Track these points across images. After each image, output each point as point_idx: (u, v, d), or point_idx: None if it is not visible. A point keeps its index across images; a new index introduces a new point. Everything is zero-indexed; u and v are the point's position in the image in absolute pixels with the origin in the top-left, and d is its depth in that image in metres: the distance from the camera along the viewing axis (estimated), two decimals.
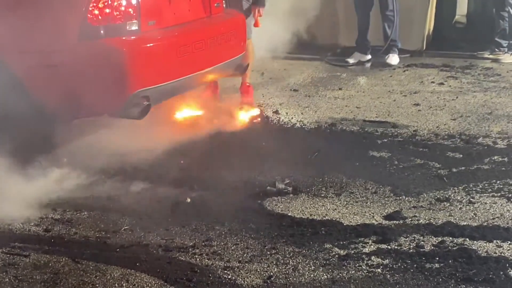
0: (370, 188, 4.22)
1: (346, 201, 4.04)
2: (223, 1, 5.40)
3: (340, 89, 6.62)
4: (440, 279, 3.14)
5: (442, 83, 6.77)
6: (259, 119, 5.56)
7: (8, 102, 4.09)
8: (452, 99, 6.20)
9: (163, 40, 4.46)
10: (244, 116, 5.53)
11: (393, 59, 7.44)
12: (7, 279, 3.11)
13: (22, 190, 4.06)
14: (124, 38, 4.24)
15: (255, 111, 5.61)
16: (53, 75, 4.15)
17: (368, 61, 7.55)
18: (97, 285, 3.08)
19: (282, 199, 4.06)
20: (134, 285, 3.10)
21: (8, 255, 3.34)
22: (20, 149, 4.21)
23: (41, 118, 4.19)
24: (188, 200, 4.01)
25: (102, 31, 4.16)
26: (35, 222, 3.73)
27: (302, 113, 5.81)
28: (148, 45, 4.35)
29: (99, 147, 4.73)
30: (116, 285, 3.09)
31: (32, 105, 4.18)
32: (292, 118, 5.67)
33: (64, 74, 4.14)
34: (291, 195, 4.12)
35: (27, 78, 4.17)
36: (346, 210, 3.90)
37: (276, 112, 5.79)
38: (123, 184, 4.22)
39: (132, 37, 4.28)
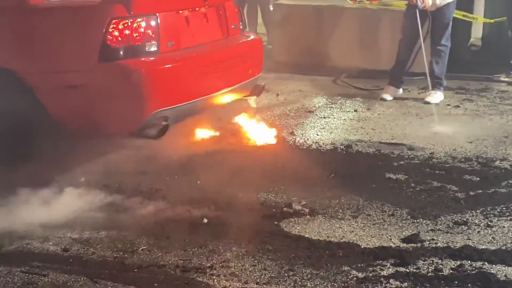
0: (387, 210, 4.21)
1: (363, 223, 4.02)
2: (240, 23, 5.45)
3: (355, 110, 6.63)
4: None
5: (457, 106, 6.77)
6: (275, 140, 5.56)
7: (28, 122, 4.13)
8: (468, 122, 6.20)
9: (181, 61, 4.51)
10: (260, 137, 5.55)
11: (435, 97, 6.83)
12: None
13: (40, 209, 4.08)
14: (143, 59, 4.29)
15: (271, 132, 5.62)
16: (73, 95, 4.19)
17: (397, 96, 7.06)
18: None
19: (299, 221, 4.05)
20: None
21: (27, 274, 3.34)
22: (39, 168, 4.25)
23: (61, 138, 4.23)
24: (205, 220, 4.02)
25: (121, 52, 4.21)
26: (54, 242, 3.74)
27: (317, 134, 5.82)
28: (167, 66, 4.39)
29: (117, 166, 4.75)
30: None
31: (51, 125, 4.22)
32: (307, 139, 5.68)
33: (84, 94, 4.18)
34: (307, 216, 4.11)
35: (47, 98, 4.21)
36: (364, 233, 3.89)
37: (292, 133, 5.80)
38: (140, 204, 4.23)
39: (151, 58, 4.33)
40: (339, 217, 4.11)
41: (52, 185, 4.33)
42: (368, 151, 5.38)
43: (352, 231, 3.91)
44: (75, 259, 3.55)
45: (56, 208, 4.11)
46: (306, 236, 3.85)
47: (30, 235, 3.79)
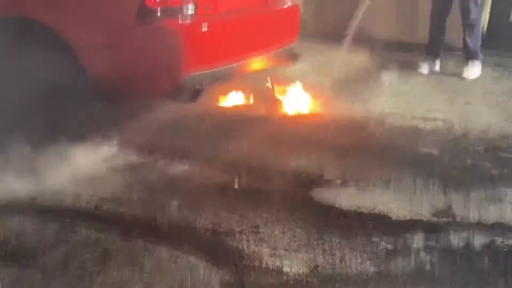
0: (420, 184, 4.16)
1: (395, 195, 3.99)
2: None
3: (390, 83, 6.54)
4: (490, 279, 3.09)
5: (495, 82, 6.64)
6: (308, 109, 5.53)
7: (66, 80, 4.15)
8: (505, 100, 6.08)
9: (218, 25, 4.47)
10: (293, 105, 5.52)
11: (472, 72, 6.71)
12: (58, 255, 3.16)
13: (73, 167, 4.12)
14: (180, 21, 4.26)
15: (304, 101, 5.59)
16: (111, 55, 4.19)
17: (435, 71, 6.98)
18: (145, 265, 3.11)
19: (330, 190, 4.04)
20: (182, 267, 3.11)
21: (59, 231, 3.38)
22: (73, 127, 4.28)
23: (96, 97, 4.24)
24: (236, 186, 4.02)
25: (159, 14, 4.19)
26: (85, 199, 3.77)
27: (351, 105, 5.76)
28: (203, 29, 4.36)
29: (150, 128, 4.77)
30: (164, 265, 3.12)
31: (88, 84, 4.23)
32: (341, 110, 5.63)
33: (121, 55, 4.18)
34: (339, 186, 4.09)
35: (86, 56, 4.21)
36: (395, 205, 3.86)
37: (325, 103, 5.75)
38: (172, 166, 4.25)
39: (188, 21, 4.30)
40: (370, 188, 4.09)
41: (86, 144, 4.36)
42: (402, 125, 5.32)
43: (383, 203, 3.88)
44: (107, 217, 3.59)
45: (88, 167, 4.14)
46: (336, 205, 3.83)
47: (63, 192, 3.82)
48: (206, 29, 4.36)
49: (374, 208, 3.82)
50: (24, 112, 4.12)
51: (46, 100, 4.12)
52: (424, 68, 6.89)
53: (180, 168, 4.24)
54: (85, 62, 4.21)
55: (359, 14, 6.36)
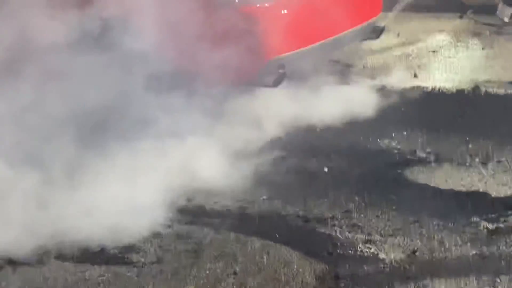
0: None
1: (494, 170, 3.81)
2: None
3: (483, 49, 6.23)
4: None
5: None
6: (397, 82, 5.35)
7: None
8: None
9: (298, 6, 4.37)
10: (380, 80, 5.36)
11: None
12: (152, 249, 3.19)
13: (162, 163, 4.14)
14: (258, 5, 4.21)
15: (393, 74, 5.42)
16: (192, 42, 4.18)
17: None
18: (238, 257, 3.10)
19: (424, 169, 3.90)
20: (275, 257, 3.08)
21: (153, 225, 3.41)
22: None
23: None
24: (326, 169, 3.94)
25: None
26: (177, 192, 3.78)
27: (442, 76, 5.53)
28: (283, 11, 4.28)
29: (235, 114, 4.73)
30: (257, 256, 3.09)
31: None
32: (431, 81, 5.41)
33: (202, 41, 4.16)
34: (433, 164, 3.95)
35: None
36: (494, 181, 3.69)
37: (415, 75, 5.55)
38: (260, 154, 4.20)
39: (267, 5, 4.24)
40: (467, 164, 3.92)
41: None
42: (498, 92, 5.06)
43: (482, 179, 3.71)
44: (198, 209, 3.59)
45: (177, 162, 4.15)
46: (432, 185, 3.70)
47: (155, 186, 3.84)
48: (286, 11, 4.28)
49: (472, 185, 3.66)
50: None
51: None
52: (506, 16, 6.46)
53: (267, 154, 4.18)
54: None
55: None
